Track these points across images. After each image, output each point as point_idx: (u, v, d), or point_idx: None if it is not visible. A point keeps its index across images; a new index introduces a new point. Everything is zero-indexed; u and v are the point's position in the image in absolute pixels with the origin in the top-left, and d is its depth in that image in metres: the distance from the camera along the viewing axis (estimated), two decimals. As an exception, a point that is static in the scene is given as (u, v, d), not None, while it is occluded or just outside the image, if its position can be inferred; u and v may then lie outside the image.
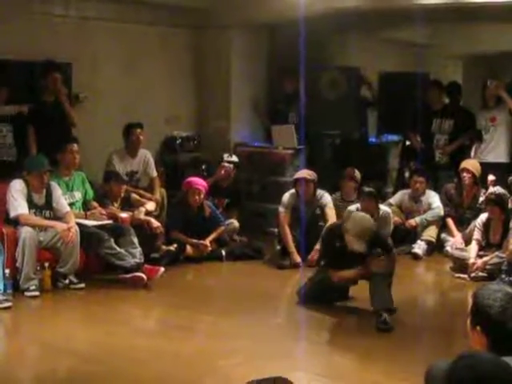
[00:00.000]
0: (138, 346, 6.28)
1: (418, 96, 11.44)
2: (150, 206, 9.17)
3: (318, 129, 11.37)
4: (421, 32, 12.28)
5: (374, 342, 6.50)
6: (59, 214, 8.03)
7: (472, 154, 10.64)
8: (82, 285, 7.90)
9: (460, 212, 9.82)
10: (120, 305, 7.61)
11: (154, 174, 9.71)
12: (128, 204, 9.02)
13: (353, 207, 9.10)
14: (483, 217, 8.92)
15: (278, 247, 9.37)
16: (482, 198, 9.51)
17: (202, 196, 9.36)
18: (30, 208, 7.86)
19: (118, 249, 8.08)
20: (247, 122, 11.58)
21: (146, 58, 10.59)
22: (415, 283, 9.11)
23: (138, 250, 8.19)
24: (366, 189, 9.04)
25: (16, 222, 7.74)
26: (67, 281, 7.87)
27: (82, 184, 8.64)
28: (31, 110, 8.87)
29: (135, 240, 8.26)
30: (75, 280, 7.90)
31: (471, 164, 9.91)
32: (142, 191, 9.47)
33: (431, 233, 9.84)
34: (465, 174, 9.70)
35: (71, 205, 8.34)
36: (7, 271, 7.35)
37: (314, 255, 8.93)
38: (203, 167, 10.78)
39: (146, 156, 9.67)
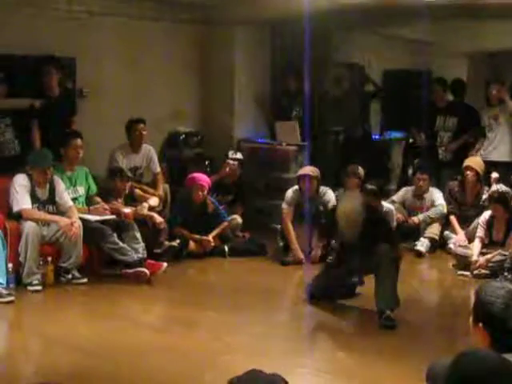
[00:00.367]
0: (140, 341, 6.29)
1: (421, 93, 11.45)
2: (153, 201, 9.16)
3: (321, 125, 11.37)
4: (425, 29, 12.27)
5: (377, 339, 6.50)
6: (62, 208, 8.04)
7: (475, 151, 10.63)
8: (85, 280, 7.91)
9: (463, 210, 9.82)
10: (122, 300, 7.62)
11: (158, 169, 9.71)
12: (131, 199, 9.03)
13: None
14: (486, 214, 8.92)
15: (281, 243, 9.37)
16: (485, 196, 9.51)
17: (206, 192, 9.36)
18: (33, 202, 7.87)
19: (120, 244, 8.09)
20: (251, 118, 11.57)
21: (150, 53, 10.58)
22: (418, 280, 9.11)
23: (140, 246, 8.21)
24: (369, 187, 9.02)
25: (19, 217, 7.75)
26: (70, 275, 7.87)
27: (86, 179, 8.64)
28: (42, 105, 8.83)
29: (138, 235, 8.28)
30: (78, 275, 7.91)
31: (474, 162, 9.90)
32: (145, 187, 9.47)
33: (434, 230, 9.83)
34: (468, 172, 9.70)
35: (74, 200, 8.34)
36: (10, 265, 7.37)
37: (317, 252, 8.94)
38: (206, 163, 10.78)
39: (149, 151, 9.66)
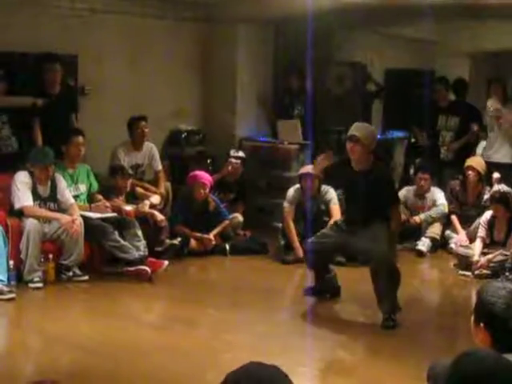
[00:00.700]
0: (141, 339, 6.29)
1: (424, 93, 11.44)
2: (155, 199, 9.16)
3: (323, 124, 11.36)
4: (428, 28, 12.26)
5: (378, 338, 6.51)
6: (64, 206, 8.04)
7: (477, 150, 10.62)
8: (86, 277, 7.92)
9: (464, 209, 9.81)
10: (123, 298, 7.63)
11: (159, 167, 9.71)
12: (133, 197, 9.03)
13: None
14: (488, 214, 8.92)
15: (282, 242, 9.36)
16: (486, 196, 9.50)
17: (207, 190, 9.36)
18: (34, 200, 7.87)
19: (122, 241, 8.09)
20: (253, 116, 11.56)
21: (152, 51, 10.57)
22: (419, 280, 9.11)
23: (142, 243, 8.21)
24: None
25: (20, 214, 7.75)
26: (71, 273, 7.88)
27: (87, 176, 8.64)
28: (44, 103, 8.80)
29: (139, 233, 8.28)
30: (79, 272, 7.92)
31: (476, 161, 9.90)
32: (146, 184, 9.47)
33: (435, 230, 9.83)
34: (470, 172, 9.69)
35: (76, 197, 8.34)
36: (11, 263, 7.38)
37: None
38: (208, 161, 10.77)
39: (151, 149, 9.66)
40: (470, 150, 10.77)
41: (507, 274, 8.24)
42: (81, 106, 9.53)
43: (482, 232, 8.86)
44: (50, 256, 7.73)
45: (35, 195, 7.90)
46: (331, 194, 9.28)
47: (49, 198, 8.02)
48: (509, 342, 2.97)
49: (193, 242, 9.22)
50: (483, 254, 8.70)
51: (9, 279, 7.29)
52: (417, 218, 9.89)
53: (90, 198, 8.58)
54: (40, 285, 7.54)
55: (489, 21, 12.45)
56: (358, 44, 12.71)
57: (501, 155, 10.38)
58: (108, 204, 8.50)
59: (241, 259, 9.24)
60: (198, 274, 9.06)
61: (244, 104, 11.37)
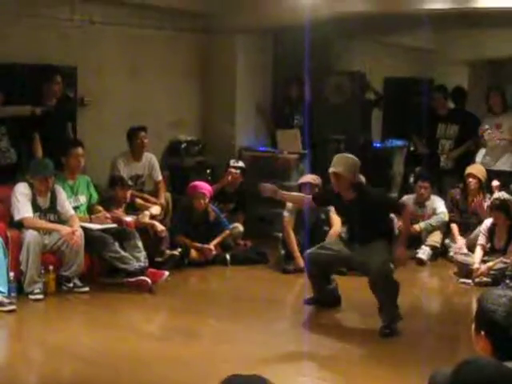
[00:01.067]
0: (142, 350, 6.28)
1: (422, 101, 11.45)
2: (155, 209, 9.16)
3: (322, 133, 11.37)
4: (426, 37, 12.29)
5: (379, 347, 6.50)
6: (64, 217, 8.04)
7: (477, 159, 10.62)
8: (86, 288, 7.90)
9: (465, 217, 9.81)
10: (124, 309, 7.62)
11: (159, 177, 9.71)
12: (132, 208, 9.03)
13: None
14: (488, 222, 8.92)
15: (283, 252, 9.36)
16: (487, 204, 9.49)
17: (207, 200, 9.37)
18: (34, 211, 7.86)
19: (122, 252, 8.08)
20: (252, 126, 11.58)
21: (151, 62, 10.59)
22: (419, 288, 9.10)
23: (142, 254, 8.20)
24: None
25: (20, 225, 7.75)
26: (71, 284, 7.87)
27: (87, 188, 8.64)
28: (44, 112, 8.79)
29: (140, 244, 8.27)
30: (79, 283, 7.90)
31: (477, 169, 9.90)
32: (146, 195, 9.46)
33: (436, 238, 9.83)
34: (470, 179, 9.69)
35: (76, 208, 8.34)
36: (11, 274, 7.36)
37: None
38: (208, 171, 10.79)
39: (150, 160, 9.67)
40: (469, 158, 10.77)
41: (508, 281, 8.24)
42: (80, 117, 9.56)
43: (482, 239, 8.86)
44: (51, 267, 7.72)
45: (35, 207, 7.89)
46: (331, 203, 9.27)
47: (49, 210, 8.01)
48: (510, 350, 2.96)
49: (193, 253, 9.21)
50: (483, 261, 8.69)
51: (9, 291, 7.27)
52: (417, 227, 9.88)
53: (90, 210, 8.58)
54: (40, 296, 7.53)
55: (487, 29, 12.49)
56: (356, 53, 12.75)
57: (500, 163, 10.39)
58: (108, 215, 8.50)
59: (241, 269, 9.24)
60: (199, 284, 9.06)
61: (243, 114, 11.39)
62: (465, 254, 9.08)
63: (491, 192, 9.77)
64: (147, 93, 10.52)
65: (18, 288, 7.44)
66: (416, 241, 9.85)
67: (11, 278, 7.32)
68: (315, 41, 9.44)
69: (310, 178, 9.31)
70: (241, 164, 10.31)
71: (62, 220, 8.01)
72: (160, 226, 8.87)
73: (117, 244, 8.11)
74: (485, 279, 8.53)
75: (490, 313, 3.04)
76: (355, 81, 11.91)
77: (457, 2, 9.65)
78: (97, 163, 9.34)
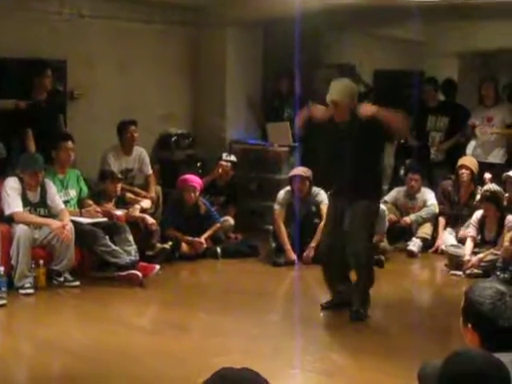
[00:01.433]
0: (133, 344, 6.28)
1: (413, 93, 11.45)
2: (146, 203, 9.16)
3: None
4: (416, 29, 12.27)
5: (369, 339, 6.51)
6: (54, 211, 8.03)
7: (467, 151, 10.63)
8: (77, 282, 7.90)
9: (457, 209, 9.82)
10: (115, 303, 7.61)
11: (150, 171, 9.70)
12: (122, 202, 9.02)
13: None
14: (478, 214, 8.93)
15: (273, 245, 9.36)
16: (478, 196, 9.50)
17: (198, 193, 9.36)
18: (24, 206, 7.85)
19: (113, 246, 8.07)
20: (243, 119, 11.56)
21: (141, 55, 10.57)
22: (410, 280, 9.11)
23: (133, 248, 8.19)
24: None
25: (10, 220, 7.73)
26: (62, 278, 7.86)
27: (77, 182, 8.62)
28: (29, 106, 8.76)
29: (130, 238, 8.26)
30: (70, 277, 7.90)
31: (469, 161, 9.90)
32: (137, 189, 9.45)
33: (426, 230, 9.84)
34: (463, 171, 9.67)
35: (66, 202, 8.33)
36: (1, 269, 7.33)
37: (309, 253, 8.95)
38: (198, 165, 10.78)
39: (141, 153, 9.65)
40: (459, 151, 10.77)
41: (498, 273, 8.25)
42: (70, 111, 9.54)
43: (472, 231, 8.87)
44: (41, 262, 7.71)
45: (25, 201, 7.88)
46: (322, 195, 9.27)
47: (39, 204, 8.00)
48: (497, 341, 2.97)
49: (184, 246, 9.21)
50: (474, 253, 8.71)
51: (-1, 285, 7.27)
52: (407, 219, 9.89)
53: (81, 203, 8.57)
54: (31, 291, 7.52)
55: (478, 21, 12.47)
56: (346, 45, 12.73)
57: (491, 156, 10.39)
58: (98, 209, 8.49)
59: (232, 262, 9.24)
60: (190, 277, 9.06)
61: (233, 107, 11.37)
62: (455, 246, 9.10)
63: (483, 184, 9.78)
64: (137, 86, 10.50)
65: (9, 282, 7.42)
66: (407, 233, 9.87)
67: (1, 273, 7.30)
68: (305, 33, 9.42)
69: (300, 170, 9.31)
70: (233, 158, 10.29)
71: (53, 214, 8.00)
72: (150, 220, 8.86)
73: (107, 238, 8.10)
74: (476, 271, 8.54)
75: (477, 305, 3.05)
76: (345, 73, 11.89)
77: (447, -6, 9.66)
78: (87, 157, 9.31)
